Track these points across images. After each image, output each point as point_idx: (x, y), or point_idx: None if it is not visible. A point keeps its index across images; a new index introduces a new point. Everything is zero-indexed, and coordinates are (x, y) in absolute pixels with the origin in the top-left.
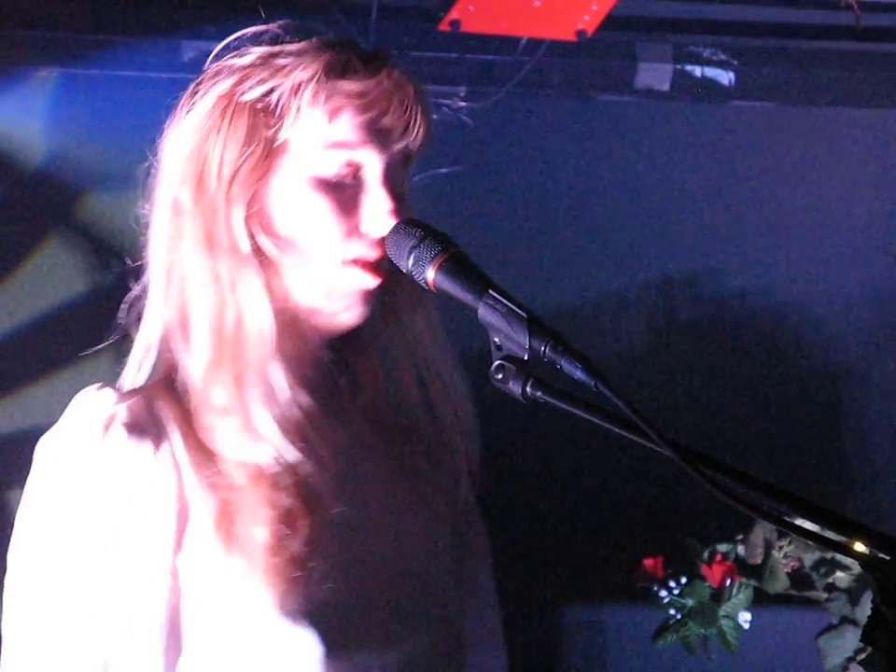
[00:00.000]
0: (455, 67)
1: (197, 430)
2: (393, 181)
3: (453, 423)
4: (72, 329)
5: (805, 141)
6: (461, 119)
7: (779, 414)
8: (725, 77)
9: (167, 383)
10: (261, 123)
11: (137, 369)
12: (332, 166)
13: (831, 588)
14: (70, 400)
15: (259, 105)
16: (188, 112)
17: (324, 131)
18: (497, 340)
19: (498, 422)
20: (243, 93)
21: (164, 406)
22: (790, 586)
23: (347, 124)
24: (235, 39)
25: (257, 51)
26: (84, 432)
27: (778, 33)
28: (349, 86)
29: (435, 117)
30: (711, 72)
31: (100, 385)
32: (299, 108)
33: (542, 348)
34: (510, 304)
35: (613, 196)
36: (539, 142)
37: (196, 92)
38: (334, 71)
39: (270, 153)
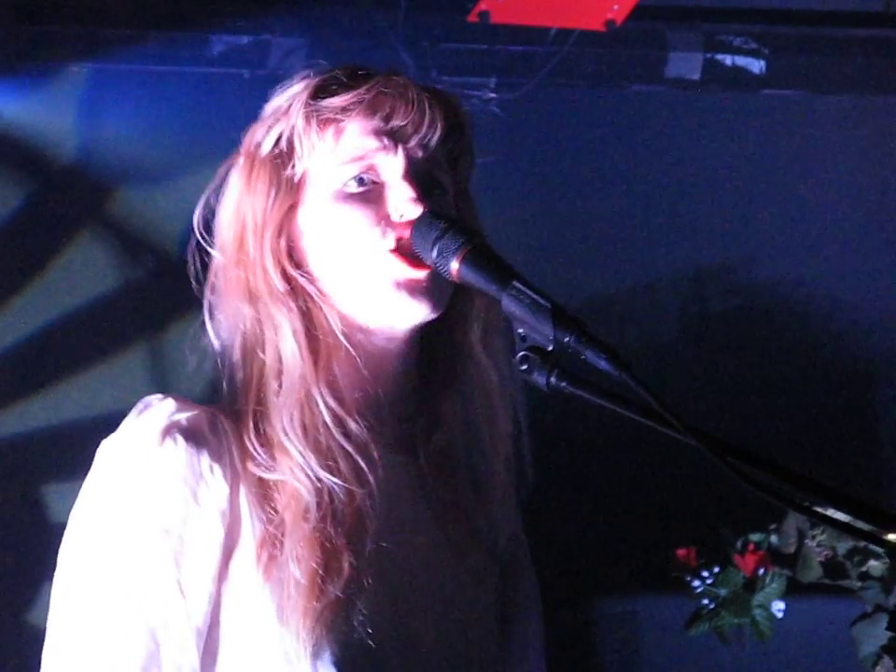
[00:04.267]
0: (485, 58)
1: (251, 458)
2: (420, 176)
3: (506, 462)
4: (104, 324)
5: (836, 129)
6: (491, 111)
7: (812, 404)
8: (756, 66)
9: (232, 405)
10: (280, 168)
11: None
12: (350, 178)
13: (864, 577)
14: (102, 396)
15: (276, 153)
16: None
17: (334, 151)
18: (521, 331)
19: (529, 414)
20: (259, 147)
21: (225, 423)
22: (823, 575)
23: (353, 136)
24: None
25: (265, 107)
26: (143, 437)
27: (809, 21)
28: (338, 100)
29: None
30: (742, 60)
31: (164, 395)
32: (300, 139)
33: (567, 339)
34: (534, 295)
35: (644, 186)
36: (569, 132)
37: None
38: (321, 93)
39: (292, 191)
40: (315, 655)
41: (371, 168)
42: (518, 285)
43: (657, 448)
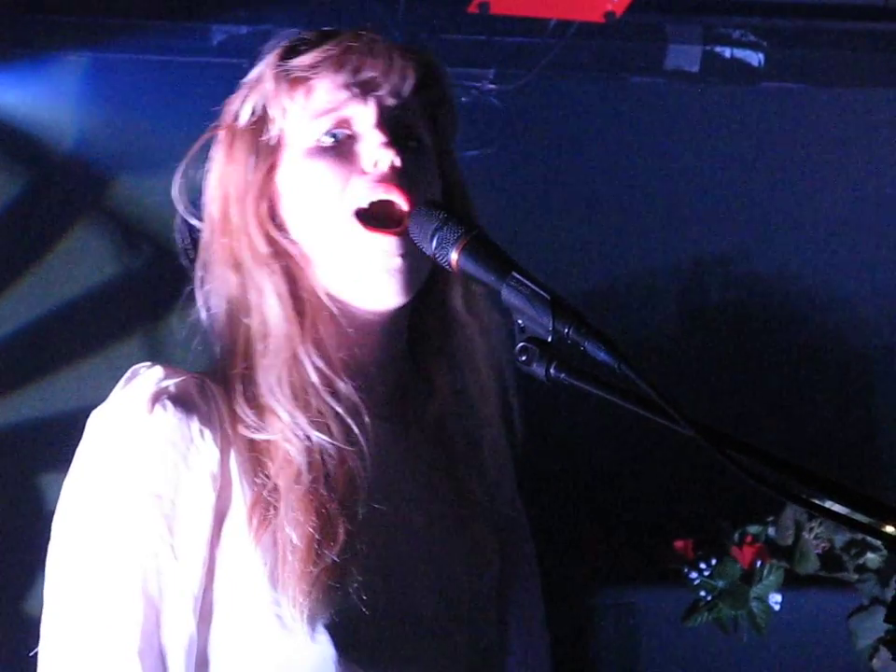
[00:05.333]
0: (484, 50)
1: (241, 421)
2: (391, 123)
3: (498, 428)
4: (102, 313)
5: (835, 122)
6: (490, 102)
7: (809, 396)
8: (755, 59)
9: (220, 371)
10: (258, 134)
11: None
12: (323, 132)
13: (861, 569)
14: (100, 384)
15: (253, 121)
16: (216, 153)
17: (306, 107)
18: (520, 322)
19: (526, 405)
20: (236, 118)
21: (214, 388)
22: (820, 567)
23: (323, 92)
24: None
25: (245, 79)
26: (133, 405)
27: (808, 14)
28: (304, 58)
29: (464, 99)
30: (741, 53)
31: (151, 363)
32: (273, 102)
33: (566, 330)
34: (533, 286)
35: (643, 178)
36: (568, 124)
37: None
38: (286, 54)
39: (269, 155)
40: (311, 620)
41: (343, 121)
42: (517, 275)
43: (655, 440)
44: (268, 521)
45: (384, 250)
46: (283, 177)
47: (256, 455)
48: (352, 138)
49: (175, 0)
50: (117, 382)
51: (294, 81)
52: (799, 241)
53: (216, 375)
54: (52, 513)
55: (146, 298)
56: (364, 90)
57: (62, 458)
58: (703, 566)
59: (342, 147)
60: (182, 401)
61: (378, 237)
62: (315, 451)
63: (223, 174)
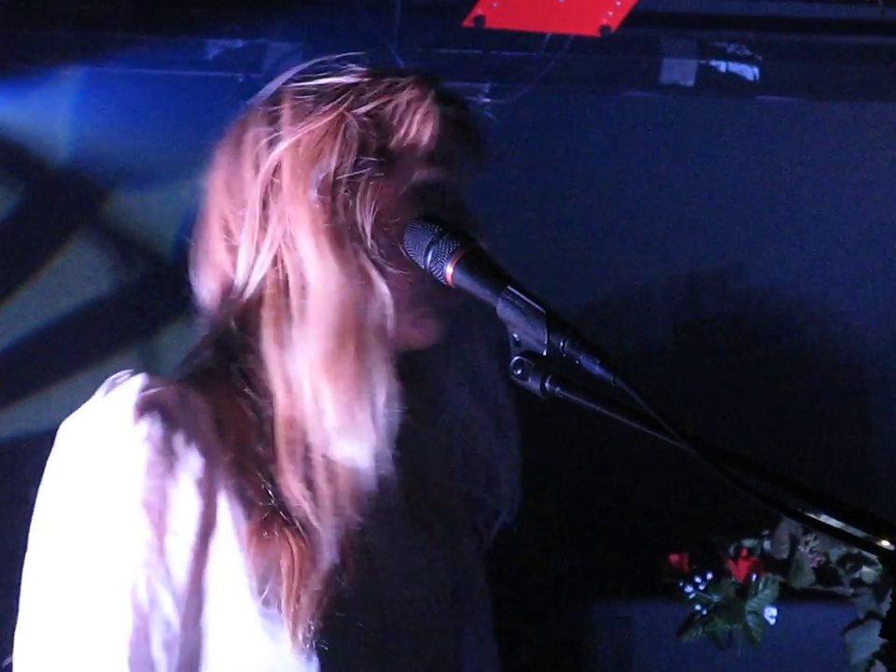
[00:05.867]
0: (480, 63)
1: (241, 432)
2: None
3: (476, 476)
4: (97, 327)
5: (831, 136)
6: (485, 116)
7: (804, 410)
8: (750, 72)
9: (213, 375)
10: (370, 135)
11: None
12: (428, 181)
13: (857, 583)
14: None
15: (370, 119)
16: (297, 124)
17: (426, 147)
18: (515, 336)
19: (520, 420)
20: (356, 107)
21: (200, 399)
22: (815, 581)
23: (443, 145)
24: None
25: (362, 70)
26: (116, 414)
27: (803, 28)
28: (451, 112)
29: None
30: (736, 67)
31: (132, 370)
32: (410, 124)
33: (561, 344)
34: (528, 300)
35: (638, 192)
36: (563, 138)
37: (278, 108)
38: (442, 97)
39: (383, 162)
40: (302, 636)
41: (442, 181)
42: (513, 289)
43: (651, 454)
44: (261, 536)
45: (442, 295)
46: (388, 196)
47: (245, 470)
48: (443, 202)
49: (171, 15)
50: None
51: (432, 120)
52: (794, 254)
53: (201, 383)
54: None
55: (141, 312)
56: (458, 162)
57: None
58: (698, 580)
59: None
60: (167, 411)
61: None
62: (314, 467)
63: (321, 141)
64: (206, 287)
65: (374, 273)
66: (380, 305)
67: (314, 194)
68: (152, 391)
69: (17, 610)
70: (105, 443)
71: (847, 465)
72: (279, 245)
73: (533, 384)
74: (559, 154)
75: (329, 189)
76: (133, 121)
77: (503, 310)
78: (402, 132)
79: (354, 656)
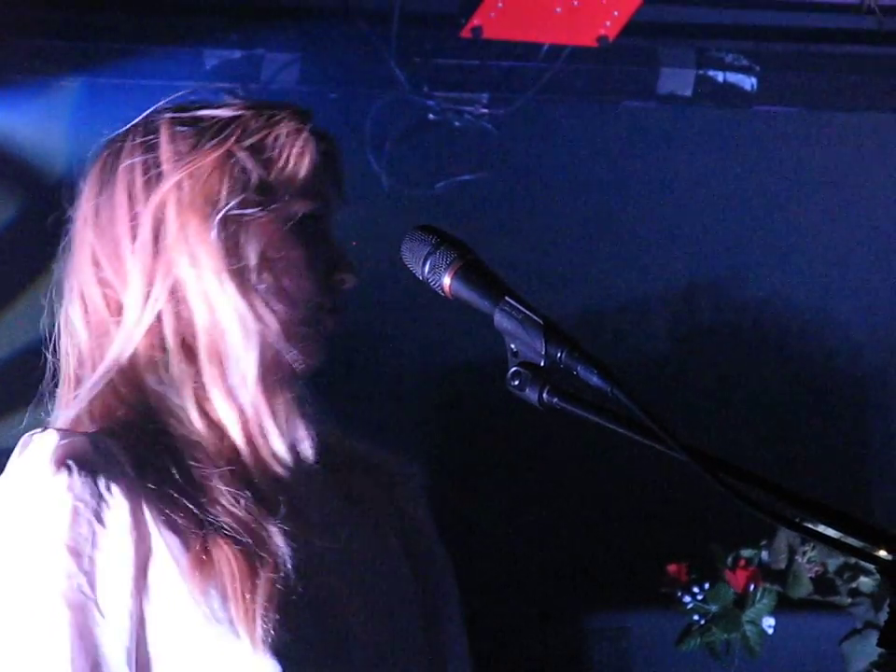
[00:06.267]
0: (477, 74)
1: (159, 465)
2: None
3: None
4: None
5: (828, 146)
6: (483, 126)
7: (802, 420)
8: (748, 82)
9: (122, 422)
10: (257, 168)
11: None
12: (307, 213)
13: (855, 593)
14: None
15: (254, 153)
16: (176, 159)
17: (304, 179)
18: (513, 346)
19: (519, 429)
20: (240, 141)
21: (112, 443)
22: (813, 591)
23: (318, 178)
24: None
25: (238, 103)
26: (34, 471)
27: (801, 37)
28: (322, 146)
29: (457, 124)
30: (734, 77)
31: (42, 428)
32: (288, 157)
33: (559, 354)
34: (526, 310)
35: (636, 202)
36: (561, 148)
37: (155, 139)
38: (315, 131)
39: (265, 197)
40: (259, 644)
41: (321, 209)
42: (510, 300)
43: (648, 464)
44: (201, 561)
45: (329, 329)
46: (264, 228)
47: (172, 501)
48: (324, 236)
49: (168, 25)
50: None
51: (312, 154)
52: (791, 264)
53: (127, 420)
54: None
55: None
56: (334, 194)
57: None
58: (696, 589)
59: (316, 243)
60: (84, 460)
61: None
62: (235, 481)
63: (209, 178)
64: (69, 314)
65: (264, 310)
66: (273, 338)
67: (208, 233)
68: (65, 442)
69: None
70: (27, 500)
71: (845, 475)
72: (171, 282)
73: (531, 394)
74: (556, 164)
75: (223, 226)
76: None
77: (501, 321)
78: (281, 164)
79: (313, 655)
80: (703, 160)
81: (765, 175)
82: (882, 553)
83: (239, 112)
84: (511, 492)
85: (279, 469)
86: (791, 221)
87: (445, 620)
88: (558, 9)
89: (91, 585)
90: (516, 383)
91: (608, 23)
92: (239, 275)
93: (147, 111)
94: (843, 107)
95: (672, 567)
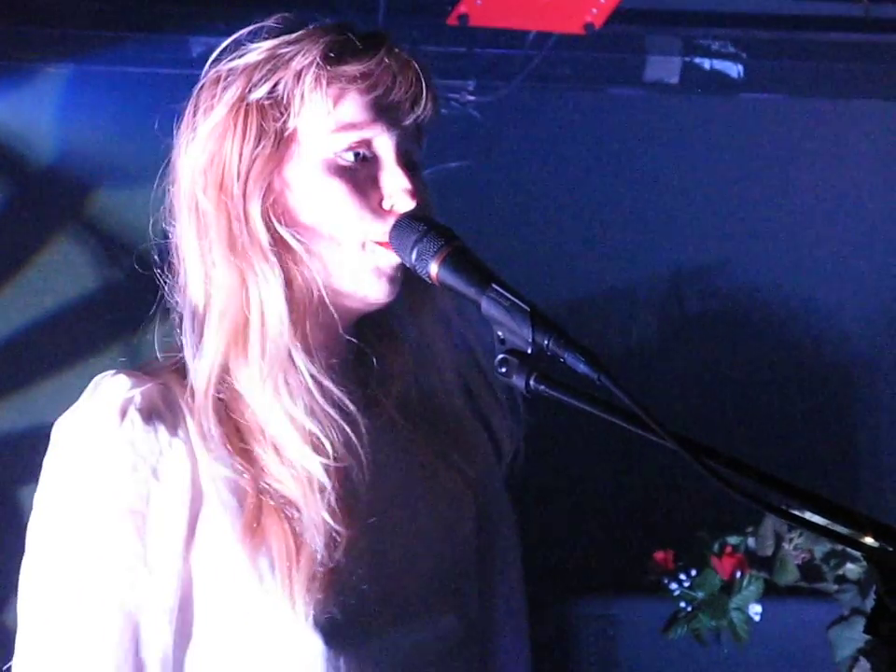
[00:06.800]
0: (464, 61)
1: (214, 423)
2: (407, 157)
3: (484, 409)
4: (82, 325)
5: (815, 133)
6: (470, 114)
7: (790, 408)
8: (734, 70)
9: (184, 371)
10: (270, 117)
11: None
12: (343, 149)
13: (841, 580)
14: (80, 397)
15: (268, 101)
16: (204, 120)
17: (331, 115)
18: (500, 334)
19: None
20: (251, 92)
21: (182, 393)
22: (800, 578)
23: (353, 105)
24: (233, 41)
25: (258, 47)
26: (100, 417)
27: (787, 25)
28: (350, 68)
29: (443, 111)
30: (720, 64)
31: (115, 371)
32: (302, 96)
33: (546, 342)
34: (513, 298)
35: (622, 189)
36: (547, 135)
37: (200, 98)
38: (333, 54)
39: (280, 144)
40: (312, 621)
41: (365, 142)
42: (497, 287)
43: (635, 451)
44: (254, 524)
45: (385, 260)
46: (295, 178)
47: (238, 458)
48: (370, 162)
49: (155, 12)
50: None
51: (328, 85)
52: (778, 252)
53: (180, 374)
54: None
55: (125, 310)
56: (390, 116)
57: (40, 471)
58: (683, 576)
59: (361, 172)
60: (149, 411)
61: (386, 253)
62: (313, 452)
63: (224, 143)
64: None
65: (267, 270)
66: (277, 301)
67: (218, 196)
68: (135, 391)
69: (2, 606)
70: (90, 448)
71: (831, 462)
72: (205, 253)
73: (518, 381)
74: (543, 151)
75: (230, 188)
76: (118, 119)
77: (488, 308)
78: (296, 105)
79: (356, 625)
80: (689, 147)
81: (752, 162)
82: (868, 540)
83: (256, 58)
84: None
85: (356, 441)
86: (778, 209)
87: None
88: None
89: (143, 543)
90: (503, 370)
91: (594, 11)
92: (235, 239)
93: (212, 56)
94: (829, 95)
95: (659, 555)
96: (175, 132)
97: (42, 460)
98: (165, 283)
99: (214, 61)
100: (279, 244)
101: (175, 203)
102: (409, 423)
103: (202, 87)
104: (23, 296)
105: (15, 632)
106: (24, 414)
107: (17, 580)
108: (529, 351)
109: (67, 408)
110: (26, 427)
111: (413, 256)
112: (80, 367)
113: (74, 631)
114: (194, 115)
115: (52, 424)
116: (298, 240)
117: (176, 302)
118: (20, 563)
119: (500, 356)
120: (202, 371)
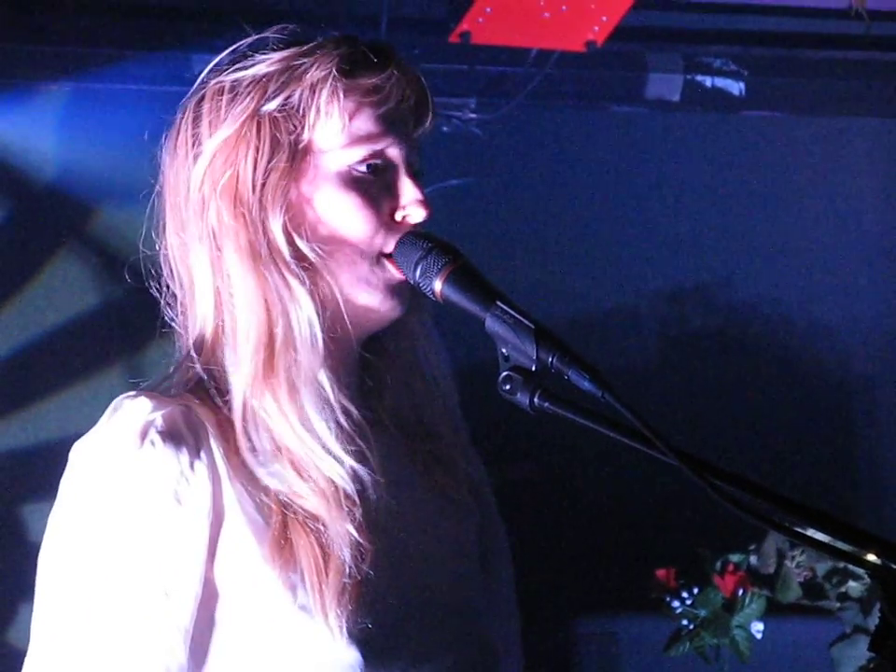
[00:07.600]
0: (466, 79)
1: (239, 443)
2: (414, 169)
3: (460, 428)
4: (84, 343)
5: (815, 150)
6: (471, 131)
7: (790, 424)
8: (735, 87)
9: (201, 390)
10: (283, 130)
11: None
12: (357, 161)
13: (843, 597)
14: (82, 414)
15: (281, 114)
16: (211, 132)
17: (345, 128)
18: (504, 351)
19: (508, 433)
20: (265, 104)
21: (202, 414)
22: (802, 596)
23: (367, 118)
24: (232, 52)
25: (268, 58)
26: (121, 440)
27: (788, 42)
28: (364, 82)
29: (445, 129)
30: (721, 82)
31: (135, 392)
32: (318, 109)
33: (550, 359)
34: (517, 315)
35: (624, 206)
36: (549, 153)
37: (202, 109)
38: (348, 67)
39: (295, 157)
40: (346, 633)
41: (378, 154)
42: (501, 305)
43: (638, 468)
44: (281, 541)
45: (400, 281)
46: (311, 191)
47: (252, 479)
48: (382, 174)
49: (156, 30)
50: (98, 411)
51: (346, 97)
52: (778, 269)
53: (201, 393)
54: (35, 544)
55: (127, 327)
56: (399, 128)
57: (44, 488)
58: (685, 594)
59: (375, 184)
60: (170, 434)
61: (399, 275)
62: (335, 466)
63: (238, 156)
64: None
65: (295, 283)
66: (306, 316)
67: (234, 209)
68: (156, 414)
69: (8, 625)
70: (110, 471)
71: (832, 478)
72: (217, 267)
73: (522, 399)
74: (545, 169)
75: (248, 201)
76: (119, 137)
77: (492, 325)
78: (311, 117)
79: (389, 636)
80: (691, 164)
81: (753, 179)
82: (871, 557)
83: (267, 69)
84: (500, 497)
85: (370, 455)
86: (779, 226)
87: (508, 601)
88: (546, 14)
89: (161, 566)
90: (507, 387)
91: (596, 28)
92: (258, 251)
93: (208, 67)
94: (830, 112)
95: (661, 572)
96: (168, 145)
97: (46, 477)
98: (165, 300)
99: (211, 72)
100: (299, 258)
101: (175, 217)
102: (404, 435)
103: (201, 98)
104: (25, 314)
105: (17, 649)
106: (27, 432)
107: (20, 596)
108: (533, 368)
109: (70, 425)
110: (29, 445)
111: (418, 273)
112: (82, 385)
113: (88, 653)
114: (195, 126)
115: (56, 441)
116: (318, 254)
117: (174, 319)
118: (22, 580)
119: (504, 373)
120: (237, 389)
